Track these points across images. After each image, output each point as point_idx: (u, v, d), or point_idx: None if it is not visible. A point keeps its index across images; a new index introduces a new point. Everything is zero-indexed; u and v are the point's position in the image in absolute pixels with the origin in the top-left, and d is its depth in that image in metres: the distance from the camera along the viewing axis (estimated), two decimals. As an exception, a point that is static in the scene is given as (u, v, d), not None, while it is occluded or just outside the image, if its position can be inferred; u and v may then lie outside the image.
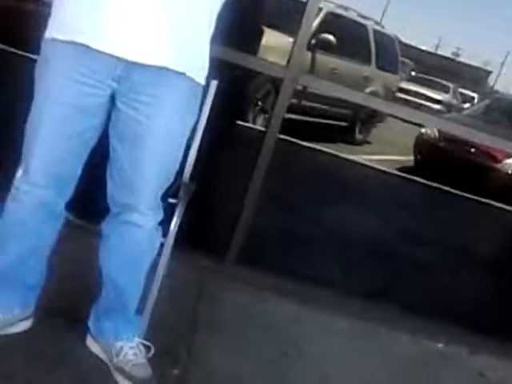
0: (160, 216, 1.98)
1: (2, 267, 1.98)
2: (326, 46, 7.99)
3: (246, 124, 7.20)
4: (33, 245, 1.97)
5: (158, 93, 1.78)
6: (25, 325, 2.08)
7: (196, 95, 1.89)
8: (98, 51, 1.71)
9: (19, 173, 1.92)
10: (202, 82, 1.88)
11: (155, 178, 1.89)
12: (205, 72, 1.88)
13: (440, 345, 2.97)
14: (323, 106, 8.32)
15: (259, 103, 7.75)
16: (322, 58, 7.98)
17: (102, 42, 1.71)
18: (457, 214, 6.34)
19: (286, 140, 5.93)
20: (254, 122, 7.70)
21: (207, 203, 3.30)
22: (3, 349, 1.98)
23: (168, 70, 1.76)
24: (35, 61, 1.85)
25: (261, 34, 6.95)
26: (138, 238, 1.94)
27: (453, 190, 6.88)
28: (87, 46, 1.72)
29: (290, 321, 2.75)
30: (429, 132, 8.64)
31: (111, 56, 1.72)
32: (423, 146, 8.83)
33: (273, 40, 7.30)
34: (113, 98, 1.82)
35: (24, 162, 1.89)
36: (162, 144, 1.84)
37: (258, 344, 2.52)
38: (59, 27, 1.77)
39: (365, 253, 4.20)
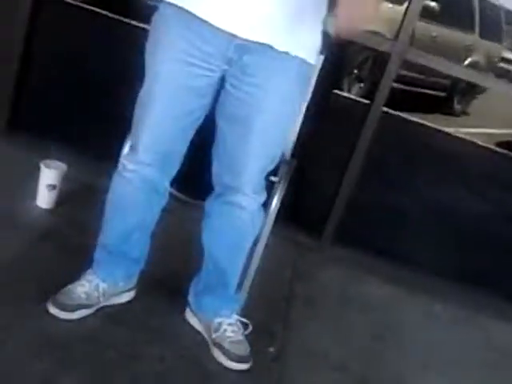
0: (263, 197, 1.95)
1: (108, 241, 2.01)
2: (428, 13, 7.69)
3: (341, 93, 7.08)
4: (137, 221, 1.99)
5: (267, 74, 1.75)
6: (128, 296, 2.12)
7: (307, 76, 1.85)
8: (212, 28, 1.68)
9: (126, 149, 1.93)
10: (313, 62, 1.83)
11: (260, 160, 1.86)
12: (316, 52, 1.83)
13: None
14: (421, 76, 8.06)
15: (355, 71, 7.59)
16: (424, 26, 7.69)
17: (216, 17, 1.67)
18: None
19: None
20: (349, 91, 7.56)
21: (306, 178, 3.25)
22: (108, 318, 2.03)
23: (277, 50, 1.71)
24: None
25: None
26: (241, 219, 1.92)
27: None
28: (201, 20, 1.68)
29: (386, 303, 2.70)
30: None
31: (224, 35, 1.68)
32: (526, 121, 8.45)
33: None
34: (222, 79, 1.79)
35: (132, 140, 1.89)
36: (269, 126, 1.81)
37: (354, 325, 2.49)
38: None
39: (463, 233, 4.07)
